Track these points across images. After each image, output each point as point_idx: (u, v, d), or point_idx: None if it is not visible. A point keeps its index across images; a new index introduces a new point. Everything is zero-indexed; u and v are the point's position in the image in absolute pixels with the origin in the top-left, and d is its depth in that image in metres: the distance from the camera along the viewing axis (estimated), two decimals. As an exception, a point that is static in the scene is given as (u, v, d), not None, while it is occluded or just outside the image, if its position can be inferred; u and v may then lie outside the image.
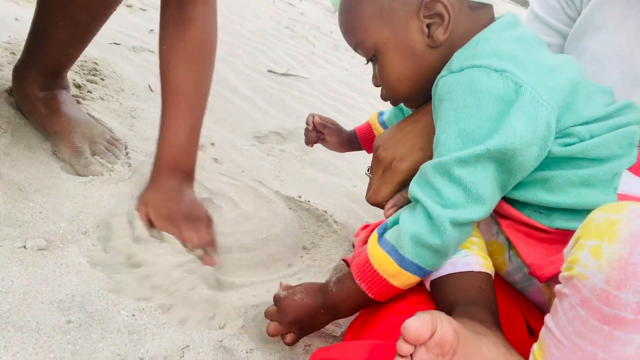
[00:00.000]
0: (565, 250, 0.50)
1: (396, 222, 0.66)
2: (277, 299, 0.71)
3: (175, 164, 0.89)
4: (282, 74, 2.05)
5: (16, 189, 0.86)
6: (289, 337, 0.71)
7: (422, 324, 0.48)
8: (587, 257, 0.45)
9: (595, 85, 0.71)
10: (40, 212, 0.84)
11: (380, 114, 1.02)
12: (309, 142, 1.04)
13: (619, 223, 0.45)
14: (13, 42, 1.32)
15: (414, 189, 0.64)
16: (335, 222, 1.13)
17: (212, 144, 1.29)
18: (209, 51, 0.91)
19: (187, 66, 0.89)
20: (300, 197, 1.19)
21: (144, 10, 2.15)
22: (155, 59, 1.70)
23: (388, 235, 0.64)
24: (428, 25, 0.68)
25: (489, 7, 0.71)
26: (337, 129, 1.04)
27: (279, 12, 3.31)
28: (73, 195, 0.89)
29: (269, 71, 2.03)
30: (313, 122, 1.02)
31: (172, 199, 0.87)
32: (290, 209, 1.11)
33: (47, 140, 1.00)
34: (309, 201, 1.17)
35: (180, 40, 0.88)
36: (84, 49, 1.01)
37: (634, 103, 0.71)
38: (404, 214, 0.65)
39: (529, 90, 0.61)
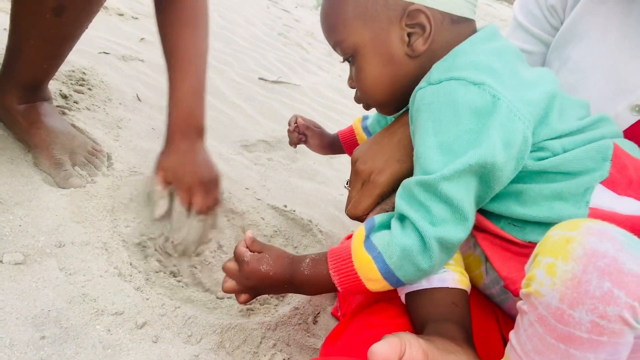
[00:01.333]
0: (526, 266, 0.50)
1: (384, 226, 0.65)
2: (240, 260, 0.68)
3: (186, 123, 0.97)
4: (274, 82, 2.05)
5: (-4, 202, 0.86)
6: (243, 297, 0.70)
7: (389, 348, 0.47)
8: (542, 274, 0.45)
9: (570, 99, 0.71)
10: (19, 225, 0.84)
11: (365, 118, 1.02)
12: (292, 143, 1.06)
13: (574, 241, 0.45)
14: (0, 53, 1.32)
15: (402, 205, 0.63)
16: (320, 231, 1.12)
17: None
18: (202, 15, 1.01)
19: (183, 31, 0.98)
20: (285, 206, 1.19)
21: (136, 18, 2.15)
22: (144, 68, 1.71)
23: (376, 240, 0.63)
24: (409, 34, 0.68)
25: (470, 21, 0.71)
26: (319, 132, 1.05)
27: (273, 18, 3.32)
28: (53, 208, 0.89)
29: (260, 79, 2.03)
30: (296, 123, 1.04)
31: (187, 162, 0.96)
32: (274, 218, 1.11)
33: (30, 152, 1.00)
34: (294, 210, 1.17)
35: (174, 8, 0.98)
36: (60, 64, 1.01)
37: (608, 117, 0.71)
38: (395, 224, 0.63)
39: (506, 104, 0.61)
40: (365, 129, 1.01)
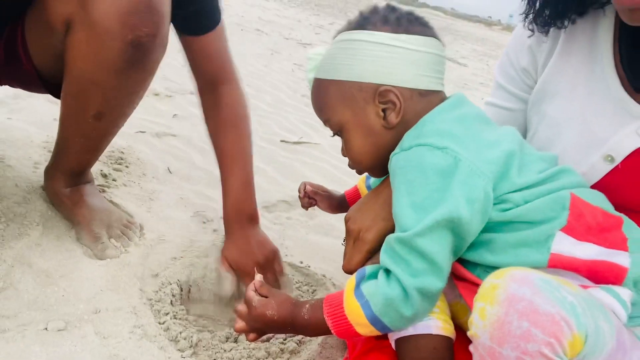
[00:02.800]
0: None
1: (373, 276, 0.72)
2: (249, 303, 0.78)
3: (239, 213, 1.14)
4: (295, 143, 2.19)
5: (44, 276, 1.00)
6: (252, 336, 0.79)
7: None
8: (477, 318, 0.52)
9: (532, 154, 0.78)
10: (62, 296, 0.96)
11: (368, 178, 1.11)
12: (304, 207, 1.16)
13: (498, 287, 0.51)
14: (50, 141, 1.52)
15: (385, 259, 0.71)
16: (334, 285, 1.19)
17: (222, 218, 1.41)
18: (243, 117, 1.20)
19: (228, 134, 1.17)
20: (301, 262, 1.27)
21: (170, 96, 2.39)
22: (176, 142, 1.89)
23: (365, 289, 0.70)
24: (383, 110, 0.78)
25: (438, 92, 0.81)
26: (327, 195, 1.14)
27: (297, 80, 3.54)
28: (91, 278, 1.02)
29: (282, 141, 2.18)
30: (305, 190, 1.14)
31: (244, 250, 1.11)
32: (291, 275, 1.20)
33: (73, 228, 1.15)
34: (309, 266, 1.25)
35: (219, 114, 1.17)
36: (100, 155, 1.17)
37: (569, 168, 0.77)
38: (382, 276, 0.71)
39: (467, 164, 0.69)
40: (369, 187, 1.10)
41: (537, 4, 0.88)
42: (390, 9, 0.81)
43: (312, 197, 1.13)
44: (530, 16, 0.89)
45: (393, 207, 0.73)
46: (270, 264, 1.11)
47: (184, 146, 1.86)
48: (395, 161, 0.75)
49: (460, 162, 0.69)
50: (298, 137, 2.29)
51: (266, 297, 0.78)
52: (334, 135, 0.86)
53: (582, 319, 0.50)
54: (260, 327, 0.78)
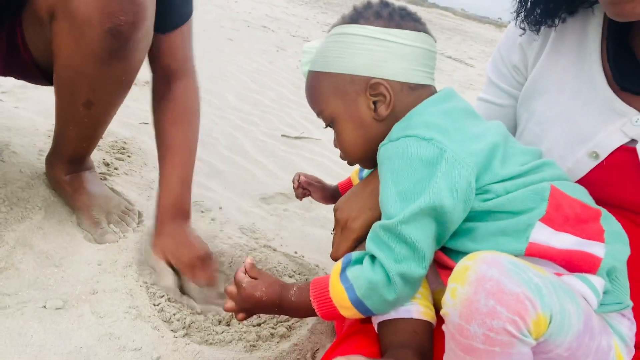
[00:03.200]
0: None
1: (359, 261, 0.75)
2: (239, 284, 0.80)
3: (174, 208, 1.10)
4: (295, 137, 2.22)
5: (44, 258, 1.03)
6: (241, 316, 0.81)
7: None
8: (448, 297, 0.54)
9: (517, 147, 0.80)
10: (62, 277, 1.00)
11: (361, 170, 1.14)
12: (298, 197, 1.18)
13: (469, 269, 0.54)
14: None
15: (370, 245, 0.73)
16: (327, 274, 1.22)
17: (220, 208, 1.45)
18: (193, 114, 1.18)
19: (175, 128, 1.14)
20: (296, 252, 1.30)
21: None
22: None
23: (350, 273, 0.73)
24: (374, 102, 0.80)
25: (428, 86, 0.83)
26: (321, 186, 1.17)
27: (301, 77, 3.56)
28: (90, 261, 1.05)
29: (283, 135, 2.21)
30: (299, 181, 1.16)
31: (181, 242, 1.07)
32: (281, 264, 1.23)
33: (74, 214, 1.18)
34: (302, 256, 1.28)
35: (170, 106, 1.14)
36: (97, 142, 1.20)
37: (552, 162, 0.79)
38: (367, 261, 0.73)
39: (451, 155, 0.71)
40: (361, 179, 1.13)
41: (529, 3, 0.90)
42: (384, 4, 0.83)
43: (305, 187, 1.16)
44: (522, 14, 0.91)
45: (380, 195, 0.76)
46: (209, 261, 1.08)
47: (185, 138, 1.89)
48: (384, 151, 0.78)
49: (444, 153, 0.71)
50: (299, 132, 2.32)
51: (255, 279, 0.81)
52: (326, 127, 0.89)
53: (547, 300, 0.53)
54: (249, 308, 0.80)
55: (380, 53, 0.79)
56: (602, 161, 0.82)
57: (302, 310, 0.77)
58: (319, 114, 0.87)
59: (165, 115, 1.14)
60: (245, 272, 0.82)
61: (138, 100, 2.04)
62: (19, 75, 1.22)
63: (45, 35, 0.98)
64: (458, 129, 0.76)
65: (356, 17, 0.82)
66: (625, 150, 0.80)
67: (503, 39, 1.03)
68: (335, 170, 1.98)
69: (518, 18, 0.92)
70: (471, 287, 0.52)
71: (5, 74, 1.21)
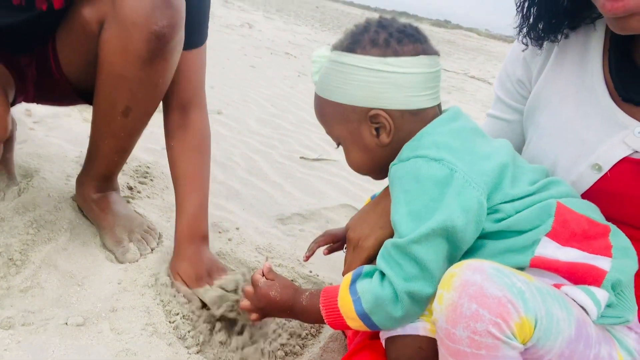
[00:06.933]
0: None
1: (369, 275, 0.76)
2: (255, 284, 0.84)
3: (191, 233, 1.14)
4: (314, 159, 2.26)
5: (68, 277, 1.08)
6: (255, 316, 0.86)
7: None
8: (436, 303, 0.56)
9: (525, 166, 0.81)
10: (84, 295, 1.04)
11: (373, 197, 1.15)
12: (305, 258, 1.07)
13: (455, 275, 0.55)
14: (82, 156, 1.63)
15: (380, 262, 0.75)
16: (341, 293, 1.23)
17: (237, 228, 1.48)
18: (206, 144, 1.23)
19: (191, 156, 1.20)
20: (310, 272, 1.31)
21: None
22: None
23: (359, 286, 0.75)
24: (376, 129, 0.82)
25: (431, 108, 0.83)
26: (333, 237, 1.07)
27: (322, 101, 3.63)
28: (111, 280, 1.10)
29: (301, 158, 2.25)
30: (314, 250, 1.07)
31: (195, 263, 1.11)
32: (296, 282, 1.24)
33: (98, 235, 1.24)
34: (317, 275, 1.29)
35: (183, 138, 1.20)
36: (127, 157, 1.27)
37: (558, 180, 0.80)
38: (377, 276, 0.74)
39: (462, 175, 0.73)
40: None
41: (531, 18, 0.90)
42: (381, 26, 0.82)
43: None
44: (525, 30, 0.92)
45: (392, 215, 0.77)
46: (219, 270, 1.11)
47: (206, 162, 1.95)
48: (394, 171, 0.80)
49: (455, 174, 0.72)
50: (317, 154, 2.36)
51: (272, 280, 0.85)
52: (337, 147, 0.91)
53: (530, 304, 0.54)
54: (263, 307, 0.84)
55: (378, 84, 0.79)
56: (605, 173, 0.82)
57: (312, 316, 0.80)
58: (327, 133, 0.90)
59: (182, 145, 1.20)
60: (263, 275, 0.85)
61: (161, 126, 2.12)
62: (49, 98, 1.30)
63: (85, 49, 1.08)
64: (468, 148, 0.77)
65: (353, 45, 0.81)
66: (629, 162, 0.79)
67: (508, 54, 1.04)
68: (353, 190, 2.00)
69: (521, 33, 0.93)
70: (456, 292, 0.54)
71: (35, 100, 1.30)
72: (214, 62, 3.92)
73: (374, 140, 0.83)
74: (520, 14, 0.92)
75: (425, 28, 0.90)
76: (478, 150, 0.77)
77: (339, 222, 1.65)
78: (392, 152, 0.82)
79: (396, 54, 0.79)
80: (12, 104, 1.21)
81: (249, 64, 4.44)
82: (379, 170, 0.87)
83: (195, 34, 1.17)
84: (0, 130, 1.06)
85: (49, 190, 1.32)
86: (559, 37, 0.90)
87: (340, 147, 0.91)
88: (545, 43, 0.93)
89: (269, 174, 1.99)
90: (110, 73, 1.05)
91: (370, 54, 0.79)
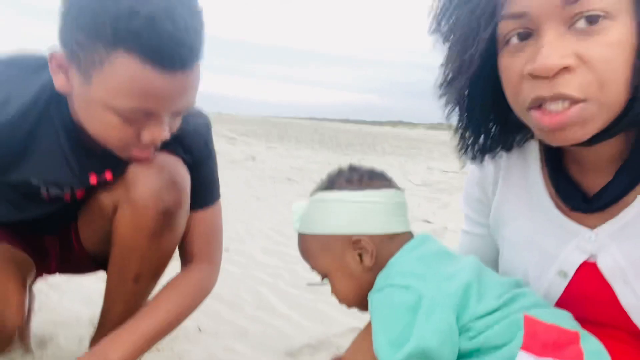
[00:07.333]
0: None
1: None
2: None
3: (104, 352, 1.07)
4: (320, 284, 2.29)
5: None
6: None
7: None
8: None
9: (491, 281, 0.86)
10: None
11: None
12: None
13: None
14: (95, 317, 1.69)
15: None
16: None
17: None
18: (197, 298, 1.25)
19: (177, 298, 1.20)
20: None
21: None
22: (207, 299, 2.04)
23: None
24: (359, 254, 0.91)
25: (405, 233, 0.94)
26: None
27: (325, 221, 3.75)
28: None
29: (308, 284, 2.29)
30: None
31: None
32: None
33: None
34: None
35: (181, 282, 1.24)
36: None
37: (525, 291, 0.84)
38: None
39: (428, 299, 0.79)
40: None
41: (470, 140, 0.93)
42: (352, 169, 0.97)
43: None
44: (462, 150, 0.95)
45: (373, 344, 0.81)
46: None
47: (214, 302, 2.00)
48: (370, 302, 0.86)
49: (423, 298, 0.79)
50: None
51: None
52: (322, 279, 0.98)
53: None
54: None
55: (357, 213, 0.91)
56: (572, 279, 0.86)
57: None
58: (313, 268, 0.98)
59: (174, 285, 1.22)
60: None
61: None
62: (70, 270, 1.42)
63: (102, 228, 1.20)
64: (432, 273, 0.84)
65: (331, 185, 0.95)
66: (589, 265, 0.84)
67: (467, 175, 1.14)
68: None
69: (460, 152, 0.95)
70: None
71: (57, 271, 1.41)
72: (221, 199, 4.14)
73: (359, 265, 0.91)
74: (458, 134, 0.94)
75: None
76: (442, 273, 0.83)
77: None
78: (374, 277, 0.90)
79: (370, 187, 0.92)
80: (33, 282, 1.31)
81: (254, 196, 4.67)
82: (364, 298, 0.93)
83: (203, 197, 1.30)
84: (17, 319, 1.15)
85: (64, 357, 1.37)
86: (496, 157, 0.95)
87: (322, 280, 0.97)
88: (486, 161, 0.97)
89: (277, 306, 2.02)
90: (123, 246, 1.17)
91: (347, 189, 0.92)
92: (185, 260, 1.31)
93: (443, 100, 0.87)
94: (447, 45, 0.81)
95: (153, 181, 1.10)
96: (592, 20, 0.64)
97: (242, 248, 2.85)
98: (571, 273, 0.86)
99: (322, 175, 1.02)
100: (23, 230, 1.25)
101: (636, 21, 0.65)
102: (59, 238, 1.32)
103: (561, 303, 0.87)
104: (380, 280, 0.87)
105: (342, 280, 0.93)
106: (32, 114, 1.00)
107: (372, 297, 0.86)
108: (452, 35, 0.78)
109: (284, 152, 9.84)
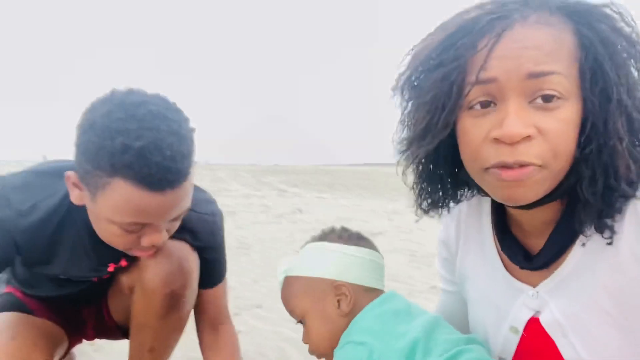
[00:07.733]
0: None
1: None
2: None
3: None
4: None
5: None
6: None
7: None
8: None
9: (439, 338, 0.93)
10: None
11: None
12: None
13: None
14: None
15: None
16: None
17: None
18: (236, 351, 1.43)
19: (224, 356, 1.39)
20: None
21: (237, 314, 2.73)
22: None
23: None
24: (338, 300, 1.02)
25: (377, 290, 1.06)
26: None
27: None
28: None
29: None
30: None
31: None
32: None
33: None
34: None
35: (216, 348, 1.41)
36: None
37: (470, 348, 0.90)
38: None
39: (377, 354, 0.89)
40: None
41: (425, 194, 0.95)
42: (343, 229, 1.12)
43: None
44: (418, 204, 0.97)
45: None
46: None
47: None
48: (335, 357, 0.98)
49: (373, 354, 0.89)
50: None
51: None
52: (297, 323, 1.08)
53: None
54: None
55: (343, 262, 1.04)
56: (522, 334, 0.90)
57: None
58: (292, 312, 1.09)
59: (216, 353, 1.41)
60: None
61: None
62: (103, 336, 1.61)
63: (125, 304, 1.39)
64: (386, 330, 0.94)
65: (324, 237, 1.10)
66: (536, 321, 0.88)
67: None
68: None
69: (416, 206, 0.96)
70: None
71: (95, 337, 1.60)
72: (262, 256, 4.29)
73: (336, 310, 1.01)
74: (417, 191, 0.95)
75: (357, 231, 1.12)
76: (395, 331, 0.93)
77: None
78: (346, 325, 1.00)
79: (356, 244, 1.07)
80: (69, 349, 1.49)
81: (294, 250, 4.78)
82: (333, 348, 1.01)
83: (213, 278, 1.46)
84: None
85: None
86: (447, 211, 0.98)
87: (296, 324, 1.07)
88: (454, 219, 1.05)
89: (298, 363, 2.08)
90: (138, 323, 1.35)
91: (338, 242, 1.07)
92: (207, 325, 1.45)
93: (404, 156, 0.89)
94: (411, 103, 0.84)
95: (162, 267, 1.27)
96: (547, 98, 0.72)
97: (275, 306, 2.94)
98: (521, 329, 0.90)
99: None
100: (63, 303, 1.46)
101: (580, 104, 0.74)
102: (95, 309, 1.53)
103: (516, 358, 0.91)
104: (344, 337, 0.98)
105: (318, 323, 1.03)
106: (56, 217, 1.15)
107: (336, 353, 0.97)
108: (420, 97, 0.80)
109: (332, 202, 9.99)
